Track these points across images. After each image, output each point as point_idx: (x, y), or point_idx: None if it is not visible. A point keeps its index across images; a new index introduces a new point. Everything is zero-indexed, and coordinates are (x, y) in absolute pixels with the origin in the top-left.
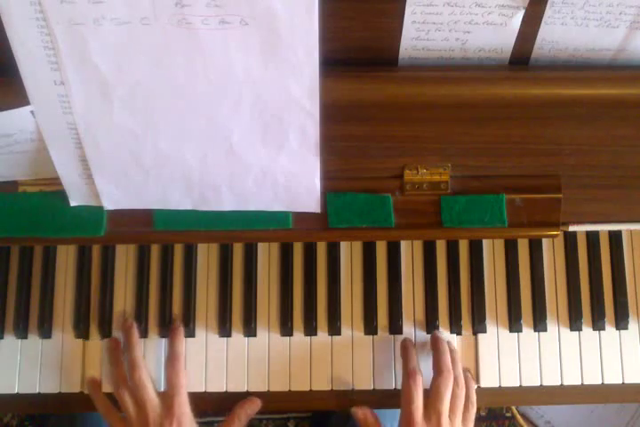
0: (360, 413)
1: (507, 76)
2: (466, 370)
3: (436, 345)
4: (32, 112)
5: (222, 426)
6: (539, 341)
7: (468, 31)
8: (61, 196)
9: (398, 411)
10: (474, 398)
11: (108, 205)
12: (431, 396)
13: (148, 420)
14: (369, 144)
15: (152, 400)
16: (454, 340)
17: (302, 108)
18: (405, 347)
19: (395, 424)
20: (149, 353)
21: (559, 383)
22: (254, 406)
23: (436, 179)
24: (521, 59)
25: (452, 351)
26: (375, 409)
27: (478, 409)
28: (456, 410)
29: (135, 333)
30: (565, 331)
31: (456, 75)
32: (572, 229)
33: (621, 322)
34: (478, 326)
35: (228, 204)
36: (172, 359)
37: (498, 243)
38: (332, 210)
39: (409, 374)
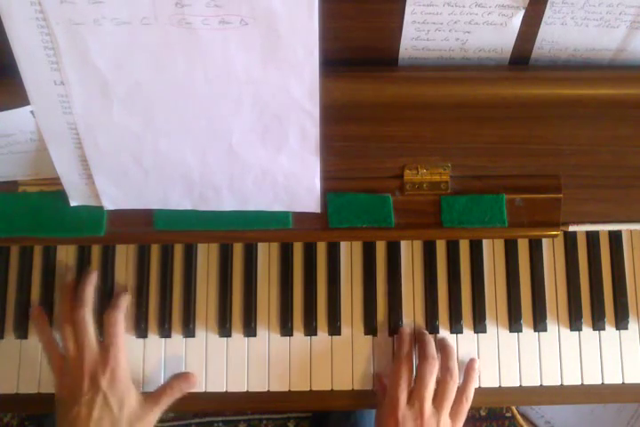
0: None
1: (507, 76)
2: (473, 365)
3: (420, 337)
4: (32, 112)
5: (152, 396)
6: (539, 341)
7: (468, 31)
8: (61, 196)
9: None
10: (470, 393)
11: (108, 205)
12: (416, 382)
13: (83, 362)
14: (369, 144)
15: (90, 342)
16: (454, 339)
17: (302, 109)
18: (401, 334)
19: None
20: (149, 353)
21: (559, 383)
22: (189, 384)
23: (436, 179)
24: (521, 59)
25: (446, 347)
26: (374, 409)
27: (478, 409)
28: (444, 401)
29: (92, 276)
30: (565, 331)
31: (456, 75)
32: (572, 229)
33: (621, 322)
34: (478, 326)
35: (227, 204)
36: (111, 308)
37: (498, 243)
38: (332, 210)
39: (400, 358)
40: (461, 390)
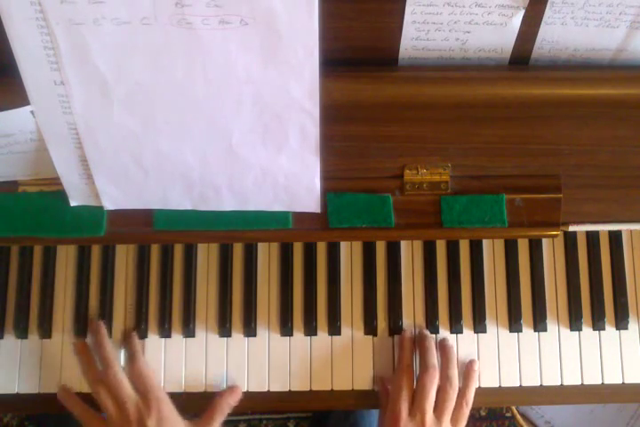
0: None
1: (507, 76)
2: (473, 367)
3: (421, 343)
4: (32, 112)
5: (204, 419)
6: (539, 341)
7: (468, 31)
8: (61, 196)
9: None
10: (470, 397)
11: (108, 205)
12: (416, 393)
13: (129, 417)
14: (369, 144)
15: (131, 397)
16: (454, 339)
17: (302, 109)
18: (402, 340)
19: None
20: (149, 353)
21: (559, 383)
22: (235, 396)
23: (436, 179)
24: (521, 59)
25: (446, 351)
26: (374, 409)
27: (478, 409)
28: (444, 410)
29: (103, 332)
30: (565, 331)
31: (456, 75)
32: (572, 229)
33: (621, 322)
34: (478, 326)
35: (227, 204)
36: (131, 359)
37: (498, 243)
38: (332, 210)
39: (402, 368)
40: (461, 395)
